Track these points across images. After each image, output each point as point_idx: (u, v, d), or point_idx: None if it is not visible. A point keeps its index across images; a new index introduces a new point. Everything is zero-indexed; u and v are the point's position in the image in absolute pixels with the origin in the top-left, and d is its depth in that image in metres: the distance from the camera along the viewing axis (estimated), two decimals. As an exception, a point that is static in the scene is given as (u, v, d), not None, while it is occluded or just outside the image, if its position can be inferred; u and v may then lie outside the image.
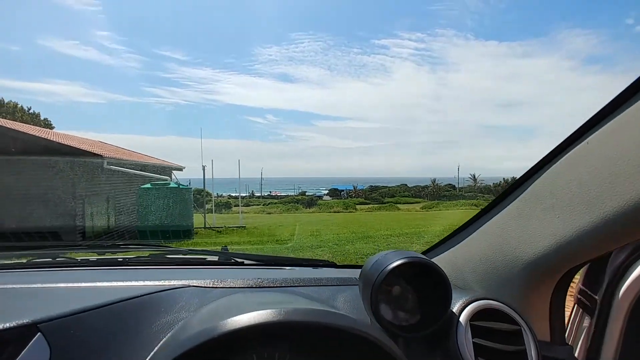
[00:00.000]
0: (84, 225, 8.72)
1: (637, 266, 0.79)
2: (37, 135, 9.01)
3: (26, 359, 0.57)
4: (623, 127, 0.57)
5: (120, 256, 1.18)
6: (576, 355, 0.84)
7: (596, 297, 0.84)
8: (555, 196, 0.68)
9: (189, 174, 15.59)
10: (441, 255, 1.02)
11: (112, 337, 0.67)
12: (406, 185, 34.11)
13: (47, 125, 26.90)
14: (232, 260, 1.21)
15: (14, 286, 0.81)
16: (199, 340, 0.50)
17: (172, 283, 0.85)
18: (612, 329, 0.80)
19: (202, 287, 0.86)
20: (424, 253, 1.10)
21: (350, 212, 20.27)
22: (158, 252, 1.29)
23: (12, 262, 1.11)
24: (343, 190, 33.45)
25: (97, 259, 1.17)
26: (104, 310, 0.69)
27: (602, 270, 0.84)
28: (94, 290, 0.83)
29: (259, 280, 0.92)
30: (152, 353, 0.66)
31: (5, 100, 26.70)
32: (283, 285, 0.92)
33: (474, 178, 32.18)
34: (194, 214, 11.25)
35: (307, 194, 32.18)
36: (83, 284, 0.85)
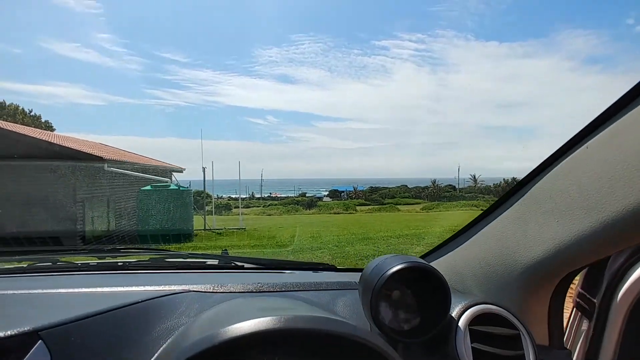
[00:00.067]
0: (84, 228, 8.72)
1: (636, 269, 0.79)
2: (38, 137, 9.02)
3: None
4: (622, 132, 0.57)
5: (120, 260, 1.19)
6: (574, 359, 0.84)
7: (595, 301, 0.84)
8: (554, 200, 0.68)
9: (189, 176, 15.61)
10: (441, 258, 1.02)
11: (114, 344, 0.67)
12: (406, 186, 34.11)
13: (48, 127, 26.90)
14: (232, 264, 1.21)
15: (15, 292, 0.82)
16: (200, 347, 0.50)
17: (172, 288, 0.85)
18: (610, 332, 0.80)
19: (202, 292, 0.86)
20: (424, 256, 1.10)
21: (350, 213, 20.27)
22: (158, 256, 1.30)
23: (13, 266, 1.12)
24: (343, 192, 33.43)
25: (98, 263, 1.18)
26: (105, 316, 0.70)
27: (601, 273, 0.84)
28: (94, 295, 0.83)
29: (259, 284, 0.92)
30: (152, 359, 0.66)
31: (7, 103, 26.74)
32: (283, 289, 0.92)
33: (474, 178, 32.18)
34: (194, 216, 11.25)
35: (307, 195, 32.20)
36: (84, 290, 0.85)
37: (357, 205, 23.97)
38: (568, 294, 0.83)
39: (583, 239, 0.62)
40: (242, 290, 0.89)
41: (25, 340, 0.59)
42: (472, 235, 0.92)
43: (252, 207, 25.00)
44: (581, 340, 0.86)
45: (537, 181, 0.73)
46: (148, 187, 10.30)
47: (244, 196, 29.99)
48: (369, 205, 25.27)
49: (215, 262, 1.25)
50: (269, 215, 19.95)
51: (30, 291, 0.83)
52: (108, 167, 9.11)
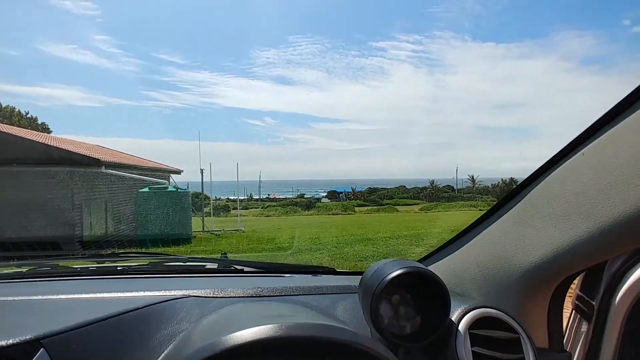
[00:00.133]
0: (82, 231, 8.68)
1: (634, 272, 0.80)
2: (34, 139, 8.98)
3: None
4: (618, 139, 0.57)
5: (119, 265, 1.18)
6: None
7: (593, 303, 0.85)
8: (551, 205, 0.69)
9: (187, 178, 15.59)
10: (440, 262, 1.03)
11: (115, 350, 0.67)
12: (405, 186, 34.15)
13: (45, 129, 26.85)
14: (232, 268, 1.21)
15: (15, 298, 0.82)
16: (202, 355, 0.50)
17: (172, 293, 0.86)
18: (609, 335, 0.81)
19: (202, 297, 0.87)
20: (423, 259, 1.10)
21: (349, 214, 20.29)
22: (157, 261, 1.30)
23: (12, 272, 1.11)
24: (342, 193, 33.45)
25: (97, 268, 1.17)
26: (105, 323, 0.70)
27: (599, 276, 0.85)
28: (95, 301, 0.83)
29: (259, 289, 0.92)
30: None
31: (3, 105, 26.65)
32: (283, 294, 0.92)
33: (473, 179, 32.26)
34: (193, 218, 11.24)
35: (305, 196, 32.20)
36: (84, 295, 0.85)
37: (356, 206, 24.00)
38: (567, 297, 0.83)
39: (580, 244, 0.62)
40: (242, 295, 0.89)
41: (27, 348, 0.59)
42: (471, 239, 0.93)
43: (251, 208, 24.98)
44: (581, 342, 0.86)
45: (535, 186, 0.74)
46: (146, 189, 10.28)
47: (242, 198, 29.99)
48: (368, 206, 25.31)
49: (214, 266, 1.25)
50: (268, 216, 19.94)
51: (30, 297, 0.83)
52: (105, 169, 9.08)
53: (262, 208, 24.33)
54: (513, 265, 0.77)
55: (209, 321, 0.73)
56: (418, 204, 25.71)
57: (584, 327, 0.87)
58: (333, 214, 19.97)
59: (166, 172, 14.25)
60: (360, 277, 0.82)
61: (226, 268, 1.23)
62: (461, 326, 0.72)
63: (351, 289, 0.95)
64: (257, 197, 34.99)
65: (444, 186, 31.95)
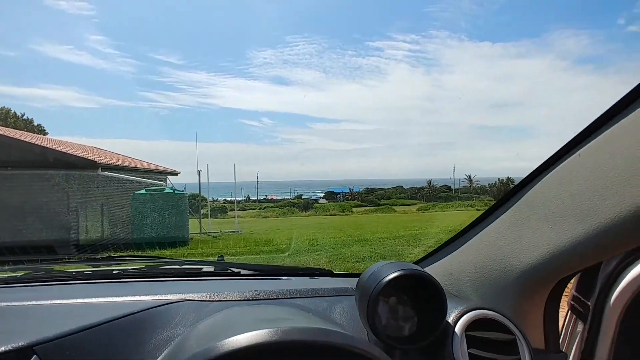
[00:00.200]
0: (78, 235, 8.62)
1: (628, 272, 0.80)
2: (30, 142, 8.93)
3: None
4: (613, 140, 0.58)
5: (115, 268, 1.18)
6: None
7: (589, 304, 0.85)
8: (548, 207, 0.69)
9: (184, 179, 15.55)
10: (436, 263, 1.03)
11: (109, 356, 0.66)
12: (402, 187, 34.24)
13: (41, 131, 26.68)
14: (229, 271, 1.21)
15: (8, 304, 0.81)
16: None
17: (168, 297, 0.85)
18: (605, 334, 0.81)
19: (198, 300, 0.86)
20: (420, 261, 1.11)
21: (346, 214, 20.31)
22: (154, 264, 1.29)
23: (6, 276, 1.10)
24: (339, 193, 33.45)
25: (92, 272, 1.16)
26: (100, 328, 0.69)
27: (595, 276, 0.85)
28: (89, 306, 0.82)
29: (256, 292, 0.92)
30: None
31: (-2, 107, 26.48)
32: (280, 297, 0.92)
33: (470, 179, 32.38)
34: (190, 220, 11.20)
35: (303, 197, 32.20)
36: (79, 300, 0.84)
37: (353, 207, 24.03)
38: (563, 297, 0.83)
39: (576, 245, 0.63)
40: (239, 299, 0.89)
41: (20, 355, 0.59)
42: (468, 240, 0.93)
43: (248, 209, 24.94)
44: (576, 342, 0.87)
45: (531, 187, 0.74)
46: (142, 191, 10.23)
47: (240, 199, 29.95)
48: (365, 206, 25.35)
49: (211, 268, 1.25)
50: (265, 217, 19.92)
51: (25, 303, 0.82)
52: (102, 171, 9.04)
53: (259, 209, 24.30)
54: (509, 267, 0.78)
55: (205, 325, 0.73)
56: (415, 204, 25.78)
57: (580, 328, 0.87)
58: (331, 215, 19.98)
59: (163, 174, 14.19)
60: (357, 279, 0.81)
61: (223, 271, 1.22)
62: (458, 328, 0.72)
63: (348, 292, 0.95)
64: (255, 199, 34.95)
65: (441, 186, 32.05)
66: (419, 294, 0.75)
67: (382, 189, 33.48)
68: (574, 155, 0.64)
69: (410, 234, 9.50)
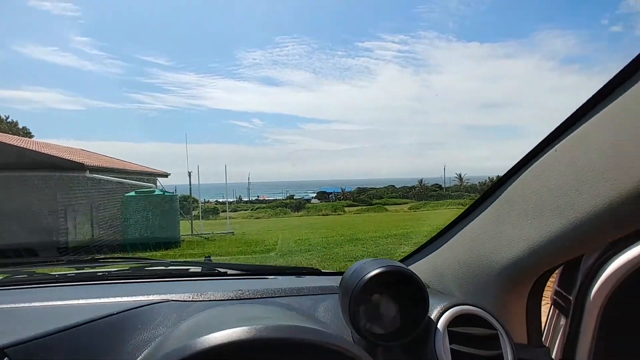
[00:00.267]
0: (67, 238, 8.47)
1: (608, 266, 0.82)
2: (15, 144, 8.76)
3: None
4: (588, 135, 0.58)
5: (99, 270, 1.16)
6: (553, 356, 0.86)
7: (570, 298, 0.86)
8: (526, 202, 0.70)
9: (174, 181, 15.39)
10: (422, 260, 1.03)
11: (87, 358, 0.65)
12: (394, 186, 34.42)
13: (27, 134, 26.19)
14: (215, 271, 1.19)
15: None
16: (174, 358, 0.49)
17: (150, 298, 0.84)
18: (586, 328, 0.82)
19: (181, 301, 0.85)
20: (406, 258, 1.11)
21: (338, 214, 20.34)
22: (139, 265, 1.27)
23: None
24: (331, 193, 33.48)
25: (75, 274, 1.14)
26: (79, 329, 0.68)
27: (576, 270, 0.86)
28: (70, 308, 0.80)
29: (240, 292, 0.91)
30: None
31: (-18, 110, 25.90)
32: (264, 296, 0.91)
33: (460, 177, 32.70)
34: (181, 221, 11.10)
35: (295, 197, 32.14)
36: (59, 302, 0.82)
37: (345, 207, 24.07)
38: (546, 292, 0.84)
39: (555, 240, 0.63)
40: (222, 298, 0.88)
41: None
42: (452, 237, 0.93)
43: (240, 210, 24.81)
44: (559, 337, 0.88)
45: (511, 183, 0.75)
46: (132, 193, 10.12)
47: (231, 200, 29.76)
48: (357, 206, 25.41)
49: (198, 269, 1.23)
50: (257, 218, 19.85)
51: (3, 306, 0.80)
52: (90, 173, 8.90)
53: (251, 210, 24.18)
54: (491, 262, 0.78)
55: (187, 325, 0.72)
56: (407, 203, 25.92)
57: (562, 322, 0.88)
58: (323, 215, 19.98)
59: (153, 176, 14.05)
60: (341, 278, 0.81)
61: (209, 271, 1.21)
62: (440, 324, 0.72)
63: (333, 290, 0.95)
64: (247, 199, 34.78)
65: (432, 185, 32.30)
66: (402, 290, 0.75)
67: (374, 188, 33.59)
68: (551, 151, 0.65)
69: (402, 233, 9.55)
